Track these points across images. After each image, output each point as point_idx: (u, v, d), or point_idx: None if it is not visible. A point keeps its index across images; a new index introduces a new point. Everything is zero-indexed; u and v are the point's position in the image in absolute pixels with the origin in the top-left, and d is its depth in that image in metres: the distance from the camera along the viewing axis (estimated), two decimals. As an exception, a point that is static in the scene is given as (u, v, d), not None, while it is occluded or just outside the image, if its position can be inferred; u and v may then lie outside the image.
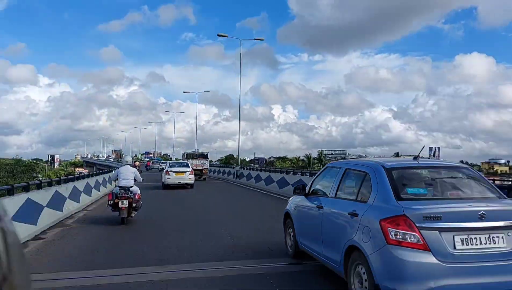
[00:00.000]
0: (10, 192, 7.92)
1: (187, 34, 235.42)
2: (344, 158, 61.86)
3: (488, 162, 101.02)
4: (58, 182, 11.65)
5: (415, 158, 4.82)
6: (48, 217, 9.50)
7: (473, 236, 3.75)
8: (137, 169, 12.24)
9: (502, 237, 3.81)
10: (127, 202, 10.01)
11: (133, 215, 10.48)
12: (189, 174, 22.25)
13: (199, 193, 19.22)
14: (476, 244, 3.75)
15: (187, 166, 23.14)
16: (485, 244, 3.77)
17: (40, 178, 23.30)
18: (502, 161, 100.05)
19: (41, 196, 9.48)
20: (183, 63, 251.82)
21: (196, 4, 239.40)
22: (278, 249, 6.68)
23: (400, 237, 3.73)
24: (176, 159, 45.99)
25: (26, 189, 8.83)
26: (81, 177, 15.50)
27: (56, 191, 10.79)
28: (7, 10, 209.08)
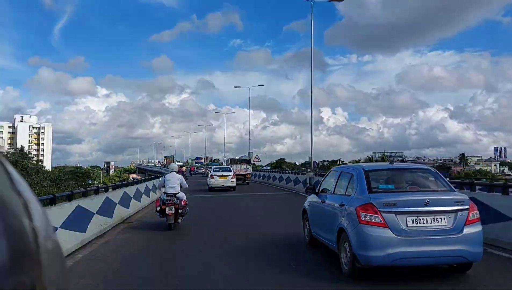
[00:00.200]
0: (52, 201, 7.97)
1: (235, 40, 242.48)
2: (403, 160, 60.29)
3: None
4: (106, 190, 12.00)
5: (391, 162, 6.49)
6: (98, 224, 9.85)
7: (421, 217, 5.39)
8: (183, 174, 14.09)
9: (444, 218, 5.42)
10: (173, 208, 10.44)
11: (180, 220, 10.88)
12: (231, 178, 24.68)
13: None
14: (423, 223, 5.39)
15: (230, 170, 25.64)
16: (431, 223, 5.39)
17: (96, 184, 25.83)
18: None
19: (92, 203, 9.94)
20: (231, 69, 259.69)
21: (243, 10, 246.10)
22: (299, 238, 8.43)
23: (368, 218, 5.45)
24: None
25: (70, 198, 8.94)
26: (129, 183, 16.02)
27: (107, 197, 11.36)
28: (68, 27, 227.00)
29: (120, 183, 15.43)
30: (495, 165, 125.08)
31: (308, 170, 25.14)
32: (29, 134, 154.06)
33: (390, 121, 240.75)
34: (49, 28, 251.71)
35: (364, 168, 6.21)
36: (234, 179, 24.92)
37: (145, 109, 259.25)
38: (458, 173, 73.72)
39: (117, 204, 12.23)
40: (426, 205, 5.40)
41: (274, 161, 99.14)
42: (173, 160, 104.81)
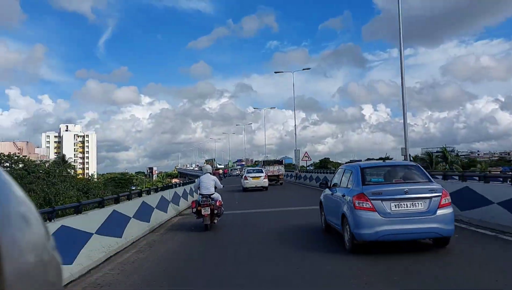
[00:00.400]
0: (77, 209, 8.03)
1: (272, 42, 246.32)
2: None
3: None
4: (139, 194, 12.26)
5: (383, 160, 8.22)
6: (134, 228, 10.21)
7: (402, 203, 7.11)
8: (218, 176, 15.79)
9: (421, 203, 7.11)
10: (209, 209, 10.93)
11: (215, 221, 11.40)
12: (263, 179, 26.94)
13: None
14: (404, 207, 7.10)
15: (262, 171, 27.94)
16: (410, 207, 7.10)
17: (136, 188, 27.33)
18: None
19: (128, 208, 10.39)
20: (268, 71, 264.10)
21: (278, 10, 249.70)
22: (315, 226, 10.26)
23: (361, 205, 7.22)
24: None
25: (101, 204, 9.20)
26: (167, 187, 16.80)
27: (143, 202, 11.79)
28: (110, 39, 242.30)
29: (155, 187, 15.80)
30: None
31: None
32: (74, 143, 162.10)
33: (436, 115, 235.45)
34: (94, 41, 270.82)
35: (361, 165, 8.00)
36: (266, 180, 27.17)
37: (186, 115, 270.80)
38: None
39: (155, 209, 12.70)
40: (406, 193, 7.12)
41: (318, 161, 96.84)
42: (214, 163, 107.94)
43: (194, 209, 11.24)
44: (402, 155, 21.56)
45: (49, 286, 0.55)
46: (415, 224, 7.04)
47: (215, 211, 11.14)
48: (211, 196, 11.25)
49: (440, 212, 7.09)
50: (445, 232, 7.14)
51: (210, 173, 11.95)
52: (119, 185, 72.84)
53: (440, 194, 7.18)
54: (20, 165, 42.96)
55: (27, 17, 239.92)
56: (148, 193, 13.14)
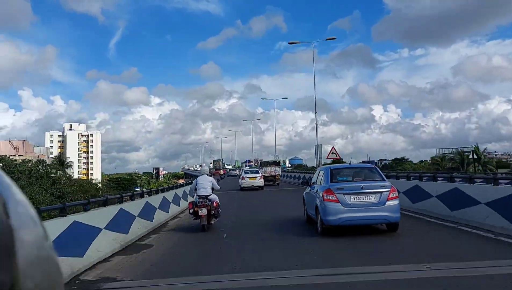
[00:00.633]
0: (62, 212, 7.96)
1: (281, 43, 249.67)
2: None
3: None
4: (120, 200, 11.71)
5: (349, 164, 10.63)
6: (140, 226, 11.18)
7: (359, 196, 9.51)
8: (220, 177, 17.79)
9: (373, 196, 9.50)
10: (206, 210, 11.29)
11: (213, 222, 11.78)
12: (259, 179, 29.58)
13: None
14: (360, 199, 9.50)
15: (258, 172, 30.65)
16: (365, 199, 9.50)
17: (140, 190, 27.24)
18: None
19: (133, 207, 11.32)
20: (277, 72, 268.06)
21: (286, 11, 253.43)
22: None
23: (328, 197, 9.63)
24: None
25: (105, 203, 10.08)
26: (169, 188, 17.93)
27: (147, 202, 12.80)
28: (121, 41, 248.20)
29: (156, 189, 16.29)
30: None
31: None
32: (78, 142, 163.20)
33: (447, 116, 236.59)
34: (104, 43, 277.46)
35: (331, 167, 10.46)
36: (262, 180, 29.80)
37: (196, 116, 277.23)
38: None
39: (157, 209, 13.69)
40: (362, 189, 9.53)
41: (330, 162, 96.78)
42: (223, 164, 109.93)
43: (191, 210, 11.65)
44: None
45: (51, 280, 0.61)
46: (369, 212, 9.45)
47: (212, 212, 11.54)
48: (208, 197, 11.61)
49: (388, 203, 9.49)
50: (392, 219, 9.53)
51: (207, 174, 12.36)
52: (121, 187, 74.10)
53: (389, 189, 9.58)
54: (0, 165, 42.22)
55: (38, 19, 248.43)
56: (132, 198, 12.66)
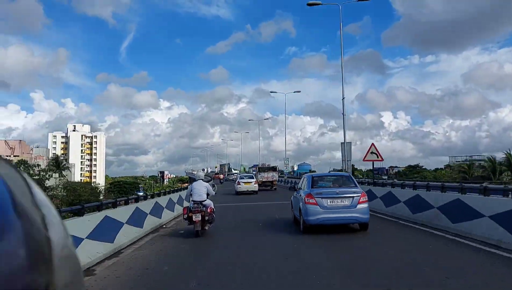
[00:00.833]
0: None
1: (290, 48, 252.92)
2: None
3: None
4: (126, 202, 12.61)
5: (329, 172, 12.69)
6: (127, 233, 11.26)
7: (334, 200, 11.57)
8: (219, 182, 19.18)
9: (346, 200, 11.57)
10: (200, 215, 11.57)
11: (207, 227, 12.09)
12: (254, 183, 31.91)
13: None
14: (336, 203, 11.56)
15: (253, 177, 33.01)
16: (339, 203, 11.56)
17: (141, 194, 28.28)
18: None
19: (121, 214, 11.36)
20: (287, 77, 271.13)
21: (296, 16, 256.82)
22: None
23: (308, 200, 11.69)
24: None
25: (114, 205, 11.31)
26: (162, 193, 17.82)
27: (137, 207, 12.81)
28: (132, 44, 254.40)
29: (141, 195, 17.16)
30: None
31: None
32: (82, 144, 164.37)
33: (457, 123, 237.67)
34: (114, 46, 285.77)
35: (312, 175, 12.56)
36: (257, 185, 32.11)
37: (204, 120, 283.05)
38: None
39: (148, 214, 13.77)
40: (337, 194, 11.59)
41: (341, 168, 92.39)
42: (229, 168, 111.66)
43: (185, 215, 11.97)
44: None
45: (75, 277, 0.69)
46: (343, 213, 11.50)
47: (206, 218, 11.86)
48: (203, 202, 11.96)
49: (359, 206, 11.53)
50: (362, 220, 11.58)
51: (203, 180, 12.73)
52: (123, 191, 74.43)
53: (360, 194, 11.63)
54: None
55: (50, 22, 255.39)
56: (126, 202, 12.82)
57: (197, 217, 11.53)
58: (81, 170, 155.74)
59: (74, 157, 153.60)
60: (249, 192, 31.64)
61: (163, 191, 19.12)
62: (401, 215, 14.26)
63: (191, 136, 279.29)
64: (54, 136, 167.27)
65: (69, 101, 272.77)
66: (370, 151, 20.48)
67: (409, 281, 6.92)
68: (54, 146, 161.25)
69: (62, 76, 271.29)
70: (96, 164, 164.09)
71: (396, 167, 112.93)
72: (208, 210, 11.93)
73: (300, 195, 12.48)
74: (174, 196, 19.12)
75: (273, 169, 40.68)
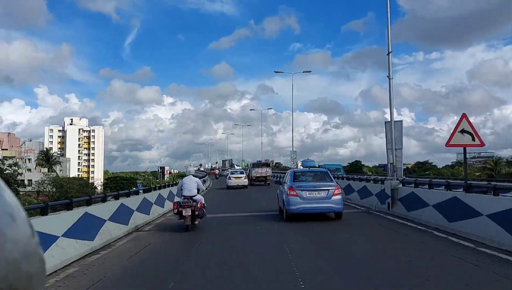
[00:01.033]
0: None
1: (295, 44, 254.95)
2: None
3: None
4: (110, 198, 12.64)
5: (309, 168, 14.83)
6: (113, 229, 11.19)
7: (312, 192, 13.67)
8: (215, 177, 20.56)
9: (323, 192, 13.67)
10: (190, 210, 11.82)
11: (197, 222, 12.38)
12: (244, 179, 34.50)
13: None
14: (314, 194, 13.66)
15: (243, 173, 35.80)
16: (317, 194, 13.66)
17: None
18: None
19: (103, 209, 11.12)
20: (290, 73, 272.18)
21: (300, 12, 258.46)
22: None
23: (290, 192, 13.79)
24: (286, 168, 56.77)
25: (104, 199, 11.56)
26: (152, 189, 17.69)
27: (122, 203, 12.58)
28: (136, 40, 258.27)
29: (134, 189, 17.34)
30: None
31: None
32: (79, 138, 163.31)
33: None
34: (118, 41, 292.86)
35: (294, 171, 14.69)
36: (246, 180, 34.68)
37: (208, 116, 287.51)
38: None
39: (135, 211, 13.70)
40: (315, 187, 13.68)
41: (347, 165, 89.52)
42: (232, 164, 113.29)
43: (176, 210, 12.29)
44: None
45: (32, 275, 0.65)
46: (320, 204, 13.59)
47: (196, 213, 12.17)
48: (193, 197, 12.30)
49: (334, 197, 13.62)
50: (336, 209, 13.68)
51: (193, 175, 13.14)
52: (119, 186, 73.07)
53: (334, 187, 13.71)
54: None
55: (54, 17, 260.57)
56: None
57: (187, 212, 11.95)
58: (78, 165, 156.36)
59: (71, 152, 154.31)
60: (239, 187, 34.21)
61: (154, 186, 19.01)
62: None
63: (195, 132, 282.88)
64: (50, 129, 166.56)
65: (73, 97, 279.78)
66: (460, 129, 12.28)
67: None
68: (51, 140, 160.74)
69: (65, 71, 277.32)
70: (94, 159, 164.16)
71: (404, 164, 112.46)
72: (198, 205, 12.36)
73: (284, 188, 14.56)
74: (165, 192, 19.07)
75: (267, 165, 42.98)
